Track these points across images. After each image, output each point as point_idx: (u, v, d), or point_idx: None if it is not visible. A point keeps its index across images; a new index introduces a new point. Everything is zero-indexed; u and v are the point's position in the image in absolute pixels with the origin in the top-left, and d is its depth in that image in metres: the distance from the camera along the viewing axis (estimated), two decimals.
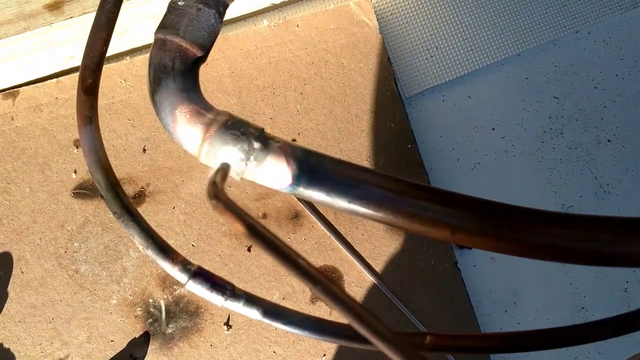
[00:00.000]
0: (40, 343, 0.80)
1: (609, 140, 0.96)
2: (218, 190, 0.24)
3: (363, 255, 0.84)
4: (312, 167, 0.25)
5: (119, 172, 0.86)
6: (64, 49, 0.90)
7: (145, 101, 0.89)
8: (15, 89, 0.89)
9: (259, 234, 0.22)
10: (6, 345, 0.79)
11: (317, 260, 0.83)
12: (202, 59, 0.30)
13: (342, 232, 0.85)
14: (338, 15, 0.93)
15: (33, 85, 0.90)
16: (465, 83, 0.99)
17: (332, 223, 0.85)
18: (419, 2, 1.01)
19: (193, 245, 0.84)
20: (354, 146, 0.88)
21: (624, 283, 0.89)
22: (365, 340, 0.33)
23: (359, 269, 0.83)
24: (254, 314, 0.32)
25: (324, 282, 0.21)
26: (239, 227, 0.22)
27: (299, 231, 0.84)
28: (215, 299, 0.32)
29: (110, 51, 0.92)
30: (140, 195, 0.86)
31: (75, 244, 0.84)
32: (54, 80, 0.90)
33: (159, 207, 0.85)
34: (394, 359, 0.21)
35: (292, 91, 0.90)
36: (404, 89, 0.97)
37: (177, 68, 0.28)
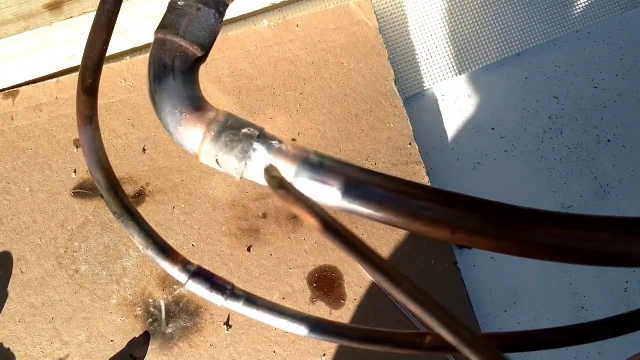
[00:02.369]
0: (40, 343, 0.80)
1: (609, 140, 0.96)
2: (284, 180, 0.23)
3: None
4: (312, 167, 0.25)
5: (119, 172, 0.86)
6: (64, 49, 0.90)
7: (145, 101, 0.89)
8: (15, 89, 0.89)
9: (332, 229, 0.21)
10: (6, 345, 0.79)
11: (317, 260, 0.83)
12: (202, 59, 0.30)
13: None
14: (338, 15, 0.93)
15: (33, 85, 0.90)
16: (465, 83, 0.99)
17: None
18: (419, 2, 1.01)
19: (193, 245, 0.84)
20: (354, 146, 0.88)
21: (624, 283, 0.89)
22: (364, 341, 0.33)
23: (359, 269, 0.83)
24: (253, 314, 0.32)
25: (404, 281, 0.21)
26: (310, 221, 0.22)
27: (299, 231, 0.84)
28: (215, 299, 0.32)
29: (110, 51, 0.92)
30: (140, 195, 0.86)
31: (75, 244, 0.84)
32: (54, 80, 0.90)
33: (159, 207, 0.85)
34: None
35: (292, 91, 0.90)
36: (404, 89, 0.97)
37: (177, 68, 0.28)
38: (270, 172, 0.25)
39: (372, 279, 0.83)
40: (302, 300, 0.82)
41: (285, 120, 0.89)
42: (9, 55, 0.87)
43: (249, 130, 0.26)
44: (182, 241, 0.84)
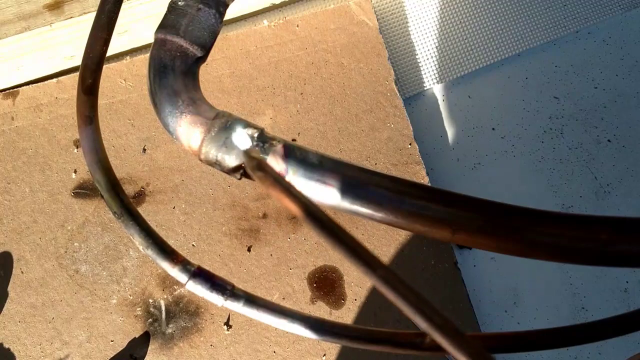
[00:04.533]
0: (40, 343, 0.80)
1: (609, 140, 0.96)
2: (262, 162, 0.23)
3: None
4: (311, 167, 0.25)
5: (119, 172, 0.86)
6: (64, 49, 0.90)
7: (145, 101, 0.89)
8: (15, 89, 0.89)
9: (310, 212, 0.21)
10: (6, 345, 0.79)
11: (317, 260, 0.83)
12: (202, 59, 0.29)
13: None
14: (338, 15, 0.93)
15: (33, 85, 0.90)
16: (465, 83, 0.99)
17: None
18: (419, 2, 1.01)
19: (193, 245, 0.84)
20: (354, 146, 0.88)
21: (624, 283, 0.89)
22: (364, 341, 0.33)
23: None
24: (253, 314, 0.32)
25: (384, 268, 0.21)
26: (288, 204, 0.21)
27: (299, 231, 0.84)
28: (215, 299, 0.32)
29: (110, 51, 0.92)
30: (140, 195, 0.86)
31: (75, 244, 0.84)
32: (54, 80, 0.90)
33: (159, 207, 0.85)
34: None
35: (292, 91, 0.90)
36: (404, 89, 0.97)
37: (178, 68, 0.28)
38: (249, 153, 0.24)
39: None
40: (302, 300, 0.82)
41: (285, 120, 0.89)
42: (9, 55, 0.87)
43: (249, 130, 0.26)
44: (182, 241, 0.84)
